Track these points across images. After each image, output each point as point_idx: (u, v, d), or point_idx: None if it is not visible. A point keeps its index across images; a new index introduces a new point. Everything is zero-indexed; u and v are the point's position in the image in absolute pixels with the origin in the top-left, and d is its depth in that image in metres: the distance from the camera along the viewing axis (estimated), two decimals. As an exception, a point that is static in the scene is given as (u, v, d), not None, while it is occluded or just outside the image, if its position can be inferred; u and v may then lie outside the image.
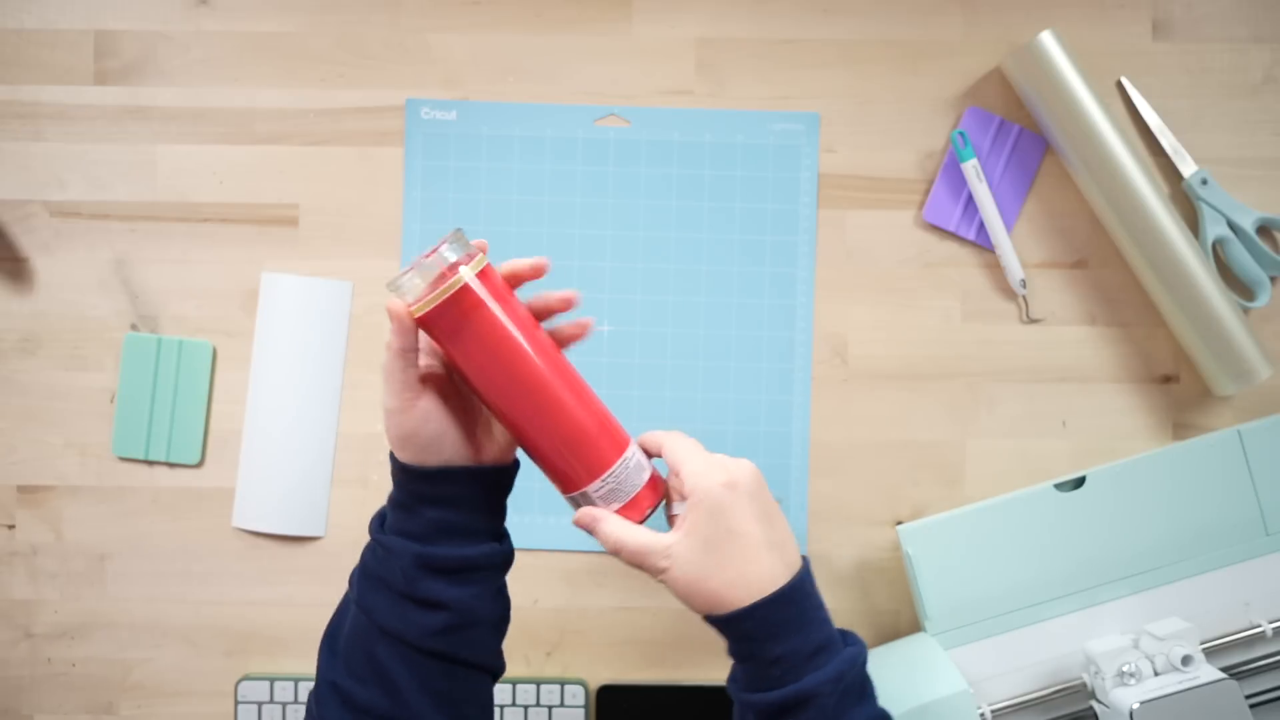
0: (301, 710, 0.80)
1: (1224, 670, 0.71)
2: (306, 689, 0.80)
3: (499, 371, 0.55)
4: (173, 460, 0.82)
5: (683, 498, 0.56)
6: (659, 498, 0.58)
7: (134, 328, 0.82)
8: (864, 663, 0.56)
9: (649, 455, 0.59)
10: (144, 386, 0.82)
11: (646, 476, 0.58)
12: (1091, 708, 0.73)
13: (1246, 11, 0.81)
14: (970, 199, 0.81)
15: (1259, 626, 0.74)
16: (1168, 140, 0.81)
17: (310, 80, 0.82)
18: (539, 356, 0.55)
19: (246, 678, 0.81)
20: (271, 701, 0.80)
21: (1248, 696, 0.74)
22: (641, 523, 0.57)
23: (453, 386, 0.58)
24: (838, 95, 0.82)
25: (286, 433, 0.82)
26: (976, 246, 0.82)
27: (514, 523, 0.81)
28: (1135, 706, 0.67)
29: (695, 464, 0.56)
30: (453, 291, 0.53)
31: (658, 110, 0.82)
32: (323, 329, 0.82)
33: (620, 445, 0.57)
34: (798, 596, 0.55)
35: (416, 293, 0.54)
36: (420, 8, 0.82)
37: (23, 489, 0.82)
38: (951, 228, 0.82)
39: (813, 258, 0.82)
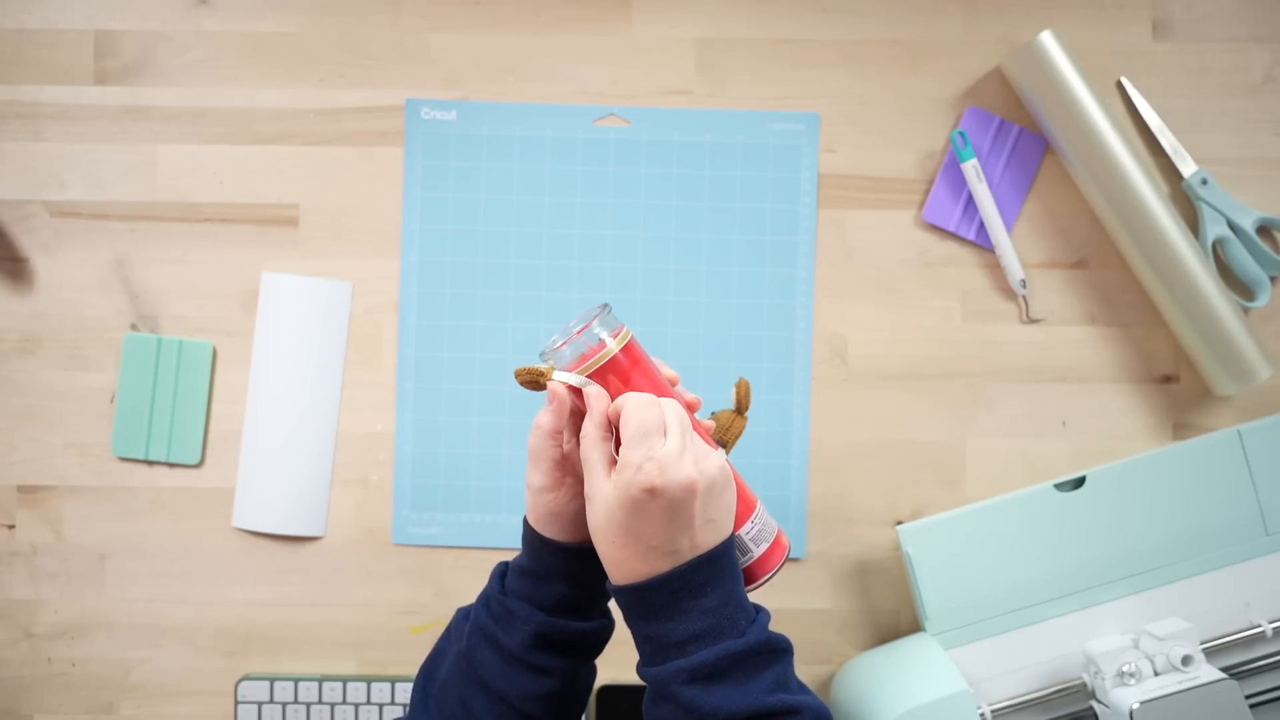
0: (301, 710, 0.80)
1: (1224, 670, 0.71)
2: (306, 689, 0.80)
3: None
4: (173, 460, 0.82)
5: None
6: (782, 560, 0.60)
7: (134, 328, 0.82)
8: (747, 654, 0.54)
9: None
10: (144, 386, 0.82)
11: (768, 544, 0.60)
12: (1091, 708, 0.73)
13: (1246, 11, 0.81)
14: (970, 199, 0.81)
15: (1259, 626, 0.74)
16: (1168, 140, 0.81)
17: (310, 80, 0.82)
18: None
19: (246, 678, 0.81)
20: (271, 701, 0.80)
21: (1248, 696, 0.74)
22: (762, 583, 0.59)
23: None
24: (838, 95, 0.82)
25: (286, 433, 0.82)
26: (976, 246, 0.82)
27: (513, 524, 0.82)
28: (1135, 706, 0.67)
29: (634, 456, 0.53)
30: (603, 363, 0.57)
31: (658, 110, 0.82)
32: (323, 329, 0.82)
33: (749, 506, 0.59)
34: (676, 586, 0.53)
35: (565, 364, 0.58)
36: (420, 8, 0.82)
37: (23, 489, 0.82)
38: (951, 228, 0.82)
39: (813, 258, 0.82)
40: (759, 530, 0.59)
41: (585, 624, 0.59)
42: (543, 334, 0.81)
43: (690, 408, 0.59)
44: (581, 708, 0.62)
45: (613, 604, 0.59)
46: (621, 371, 0.57)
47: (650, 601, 0.54)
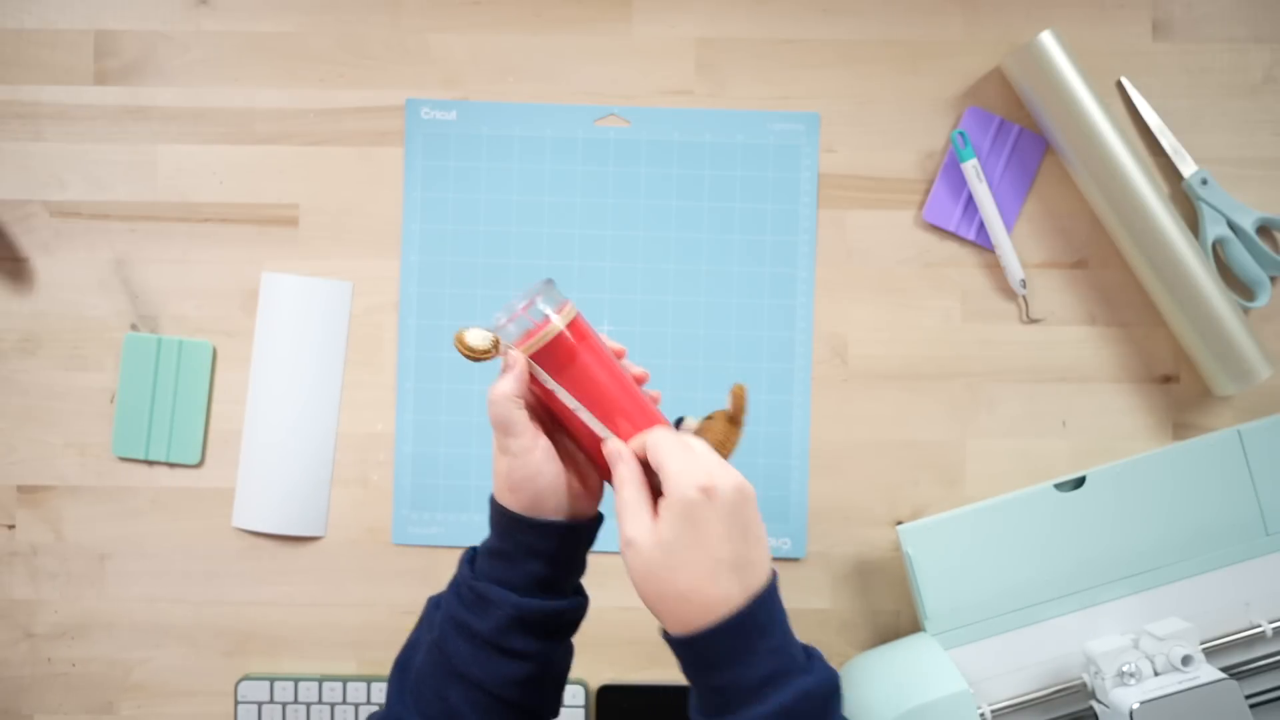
0: (301, 710, 0.80)
1: (1224, 670, 0.71)
2: (306, 689, 0.80)
3: (596, 402, 0.57)
4: (173, 460, 0.82)
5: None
6: None
7: (134, 328, 0.82)
8: (822, 694, 0.52)
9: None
10: (144, 386, 0.82)
11: None
12: (1091, 708, 0.73)
13: (1246, 11, 0.81)
14: (970, 199, 0.81)
15: (1259, 626, 0.74)
16: (1168, 140, 0.81)
17: (310, 80, 0.82)
18: (627, 388, 0.58)
19: (246, 678, 0.81)
20: (271, 701, 0.80)
21: (1248, 696, 0.74)
22: None
23: (552, 435, 0.59)
24: (838, 95, 0.82)
25: (286, 433, 0.82)
26: (976, 246, 0.82)
27: (514, 523, 0.81)
28: (1135, 706, 0.67)
29: (676, 463, 0.52)
30: (550, 339, 0.56)
31: (658, 110, 0.82)
32: (323, 329, 0.82)
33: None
34: (748, 626, 0.52)
35: (511, 340, 0.57)
36: (420, 8, 0.82)
37: (23, 489, 0.82)
38: (951, 228, 0.82)
39: (813, 258, 0.82)
40: None
41: (560, 602, 0.58)
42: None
43: (639, 380, 0.59)
44: (560, 688, 0.60)
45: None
46: (568, 347, 0.57)
47: (725, 647, 0.51)
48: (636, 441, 0.56)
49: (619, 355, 0.60)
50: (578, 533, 0.59)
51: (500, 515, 0.58)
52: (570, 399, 0.57)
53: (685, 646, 0.52)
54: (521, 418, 0.56)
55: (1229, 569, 0.76)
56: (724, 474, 0.52)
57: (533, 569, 0.57)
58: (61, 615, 0.83)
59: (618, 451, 0.55)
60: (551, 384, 0.57)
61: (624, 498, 0.54)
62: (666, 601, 0.52)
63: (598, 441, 0.57)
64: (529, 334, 0.56)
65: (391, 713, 0.58)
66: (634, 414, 0.57)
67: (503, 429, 0.57)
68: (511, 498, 0.57)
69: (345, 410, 0.82)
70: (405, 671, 0.59)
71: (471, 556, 0.60)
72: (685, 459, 0.53)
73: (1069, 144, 0.78)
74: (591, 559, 0.61)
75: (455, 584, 0.59)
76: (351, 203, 0.82)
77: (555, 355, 0.57)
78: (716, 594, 0.51)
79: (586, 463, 0.60)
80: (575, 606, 0.59)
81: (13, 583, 0.83)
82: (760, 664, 0.51)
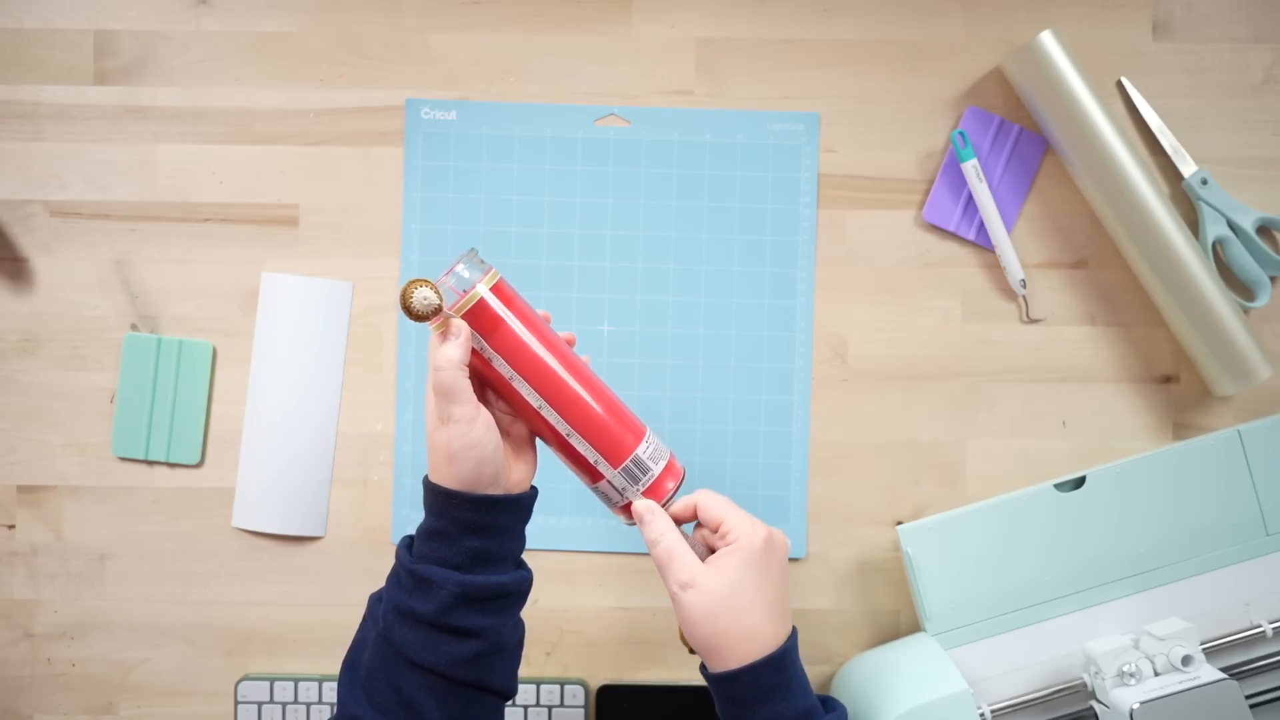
0: (301, 710, 0.80)
1: (1224, 670, 0.71)
2: (306, 689, 0.80)
3: (529, 371, 0.58)
4: (173, 460, 0.82)
5: (713, 549, 0.60)
6: (678, 481, 0.62)
7: (134, 328, 0.82)
8: None
9: (681, 521, 0.62)
10: (144, 386, 0.82)
11: (665, 462, 0.61)
12: (1091, 708, 0.73)
13: (1246, 11, 0.81)
14: (970, 199, 0.81)
15: (1259, 626, 0.74)
16: (1168, 140, 0.81)
17: (310, 80, 0.82)
18: (561, 355, 0.59)
19: (246, 678, 0.81)
20: (271, 701, 0.80)
21: (1248, 696, 0.74)
22: (664, 504, 0.61)
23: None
24: (838, 95, 0.82)
25: (286, 433, 0.82)
26: (976, 246, 0.82)
27: (514, 523, 0.81)
28: (1135, 706, 0.67)
29: (740, 518, 0.59)
30: (473, 304, 0.57)
31: (658, 110, 0.82)
32: (323, 329, 0.82)
33: (639, 432, 0.61)
34: (786, 663, 0.58)
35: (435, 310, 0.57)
36: (420, 8, 0.82)
37: (23, 489, 0.82)
38: (951, 228, 0.82)
39: (813, 258, 0.82)
40: (654, 449, 0.61)
41: (503, 576, 0.58)
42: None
43: (569, 342, 0.61)
44: (515, 664, 0.61)
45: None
46: (491, 315, 0.57)
47: (770, 681, 0.57)
48: (688, 500, 0.61)
49: (546, 321, 0.61)
50: (514, 505, 0.59)
51: (435, 494, 0.58)
52: (506, 366, 0.58)
53: (732, 682, 0.57)
54: (466, 385, 0.56)
55: (1229, 569, 0.76)
56: (773, 529, 0.60)
57: (472, 545, 0.57)
58: (61, 615, 0.83)
59: (649, 508, 0.60)
60: (489, 350, 0.58)
61: (671, 546, 0.58)
62: (728, 637, 0.57)
63: (532, 409, 0.59)
64: (456, 300, 0.57)
65: (345, 712, 0.58)
66: (577, 376, 0.59)
67: (448, 397, 0.56)
68: (449, 470, 0.57)
69: (345, 410, 0.82)
70: (355, 669, 0.59)
71: (409, 543, 0.60)
72: (745, 514, 0.59)
73: (1069, 144, 0.78)
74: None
75: (394, 572, 0.59)
76: (351, 203, 0.82)
77: (482, 320, 0.57)
78: (770, 632, 0.57)
79: (519, 436, 0.61)
80: (519, 580, 0.59)
81: (13, 583, 0.83)
82: (798, 699, 0.57)
